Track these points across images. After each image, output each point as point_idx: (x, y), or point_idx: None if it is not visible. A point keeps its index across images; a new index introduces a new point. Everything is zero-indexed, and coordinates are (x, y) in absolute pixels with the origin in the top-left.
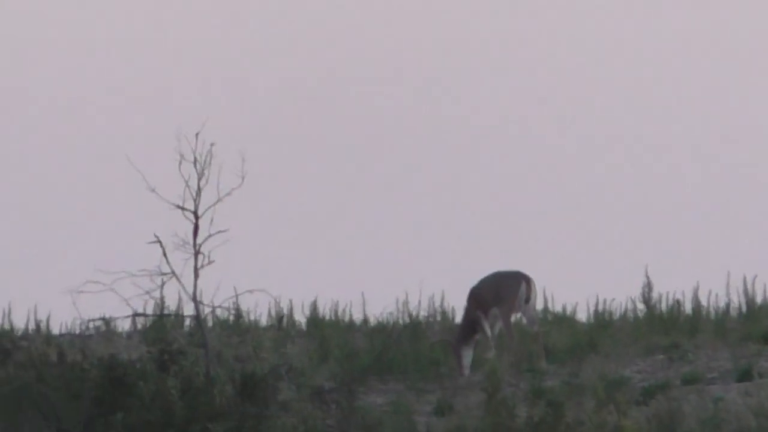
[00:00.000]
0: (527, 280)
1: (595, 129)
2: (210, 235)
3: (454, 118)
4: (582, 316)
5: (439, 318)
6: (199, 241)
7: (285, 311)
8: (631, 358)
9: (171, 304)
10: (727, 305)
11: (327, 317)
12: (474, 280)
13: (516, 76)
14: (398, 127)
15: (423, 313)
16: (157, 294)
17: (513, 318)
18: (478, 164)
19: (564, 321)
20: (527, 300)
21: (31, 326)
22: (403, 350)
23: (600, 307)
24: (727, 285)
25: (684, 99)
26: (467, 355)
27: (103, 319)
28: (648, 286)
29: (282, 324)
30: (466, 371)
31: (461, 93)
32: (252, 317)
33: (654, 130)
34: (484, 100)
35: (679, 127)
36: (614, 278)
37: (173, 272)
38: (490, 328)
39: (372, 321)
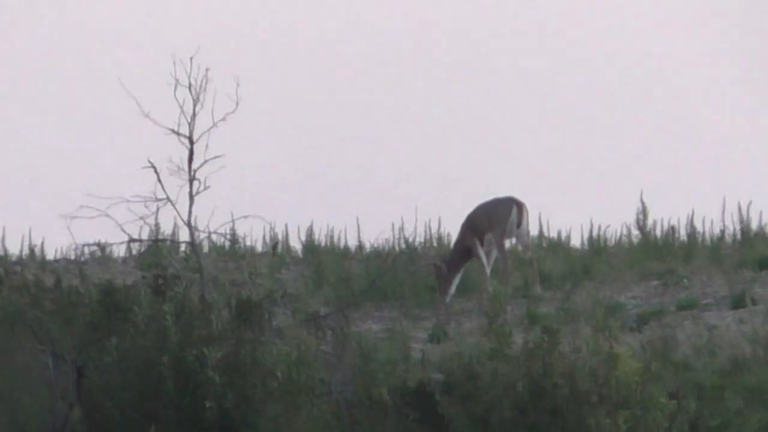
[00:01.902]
0: (519, 205)
1: (590, 53)
2: (205, 161)
3: (450, 42)
4: (576, 242)
5: (435, 244)
6: (194, 166)
7: (280, 237)
8: (626, 284)
9: (166, 230)
10: (722, 232)
11: (322, 243)
12: (469, 207)
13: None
14: (394, 50)
15: (419, 239)
16: (152, 220)
17: (507, 243)
18: (474, 91)
19: (559, 247)
20: (519, 224)
21: (26, 252)
22: (398, 276)
23: (595, 234)
24: (723, 211)
25: (680, 25)
26: (454, 281)
27: (98, 244)
28: (643, 213)
29: (277, 250)
30: (449, 297)
31: (458, 21)
32: (247, 243)
33: (650, 54)
34: (476, 27)
35: (676, 53)
36: (609, 204)
37: (168, 198)
38: (485, 255)
39: (367, 247)
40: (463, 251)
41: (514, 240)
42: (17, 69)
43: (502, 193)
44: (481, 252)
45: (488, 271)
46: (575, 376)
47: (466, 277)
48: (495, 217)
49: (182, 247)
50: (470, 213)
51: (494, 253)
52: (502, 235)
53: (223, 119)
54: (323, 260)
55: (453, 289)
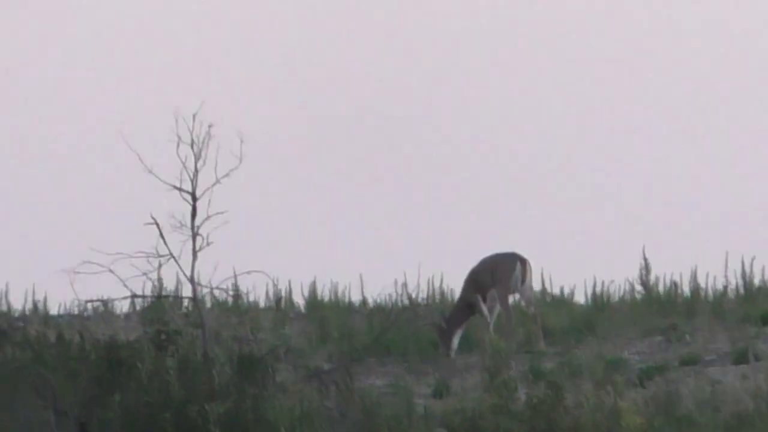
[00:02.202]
0: (522, 261)
1: (593, 111)
2: (208, 217)
3: (449, 99)
4: (580, 298)
5: (437, 300)
6: (197, 222)
7: (283, 293)
8: (629, 339)
9: (169, 286)
10: (725, 287)
11: (326, 299)
12: (472, 263)
13: (511, 55)
14: (397, 107)
15: (422, 295)
16: (154, 275)
17: (510, 299)
18: (477, 146)
19: (562, 303)
20: (523, 281)
21: (29, 307)
22: (401, 332)
23: (598, 289)
24: (725, 267)
25: (682, 80)
26: (456, 338)
27: (101, 300)
28: (646, 268)
29: (280, 305)
30: (453, 353)
31: (459, 75)
32: (250, 299)
33: (652, 111)
34: (480, 81)
35: (678, 108)
36: (612, 260)
37: (171, 254)
38: (488, 310)
39: (371, 302)
40: (465, 307)
41: (517, 296)
42: (19, 123)
43: (504, 249)
44: (484, 308)
45: (491, 326)
46: (579, 431)
47: (470, 332)
48: (499, 273)
49: (185, 303)
50: (473, 268)
51: (497, 309)
52: (507, 291)
53: (226, 175)
54: (326, 315)
55: (455, 344)
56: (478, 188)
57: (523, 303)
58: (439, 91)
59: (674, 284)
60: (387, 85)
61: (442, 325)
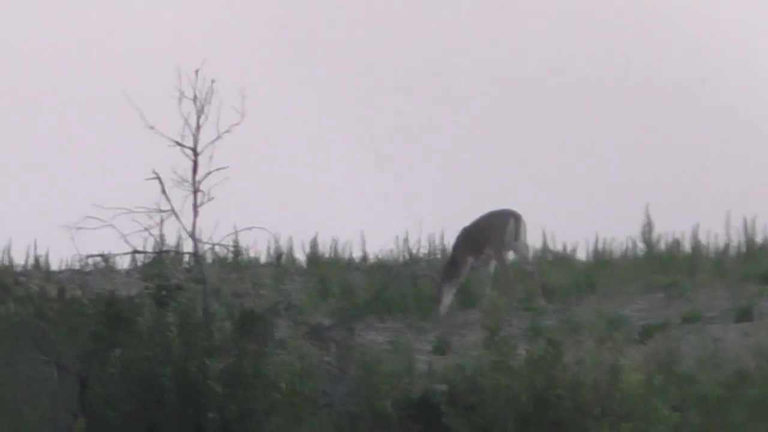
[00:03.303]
0: (516, 217)
1: (597, 64)
2: (209, 173)
3: (456, 50)
4: (581, 255)
5: (438, 256)
6: (198, 178)
7: (284, 249)
8: (630, 297)
9: (170, 241)
10: (727, 245)
11: (326, 255)
12: (470, 220)
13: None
14: (402, 58)
15: (422, 251)
16: (156, 231)
17: (506, 256)
18: (480, 101)
19: (563, 260)
20: (516, 237)
21: (30, 262)
22: (402, 288)
23: (599, 247)
24: (727, 225)
25: (689, 34)
26: (449, 294)
27: (101, 255)
28: (648, 226)
29: (281, 261)
30: (444, 309)
31: (463, 24)
32: (251, 254)
33: (655, 64)
34: (485, 32)
35: (680, 64)
36: (614, 218)
37: (172, 209)
38: (485, 268)
39: (371, 259)
40: (457, 265)
41: (512, 253)
42: (21, 79)
43: (503, 206)
44: (464, 271)
45: (488, 283)
46: (578, 389)
47: (470, 289)
48: (492, 230)
49: (186, 259)
50: (466, 227)
51: (493, 266)
52: (501, 247)
53: (228, 131)
54: (327, 272)
55: (448, 301)
56: (479, 144)
57: (518, 260)
58: (449, 38)
59: (676, 242)
60: (392, 34)
61: (436, 279)
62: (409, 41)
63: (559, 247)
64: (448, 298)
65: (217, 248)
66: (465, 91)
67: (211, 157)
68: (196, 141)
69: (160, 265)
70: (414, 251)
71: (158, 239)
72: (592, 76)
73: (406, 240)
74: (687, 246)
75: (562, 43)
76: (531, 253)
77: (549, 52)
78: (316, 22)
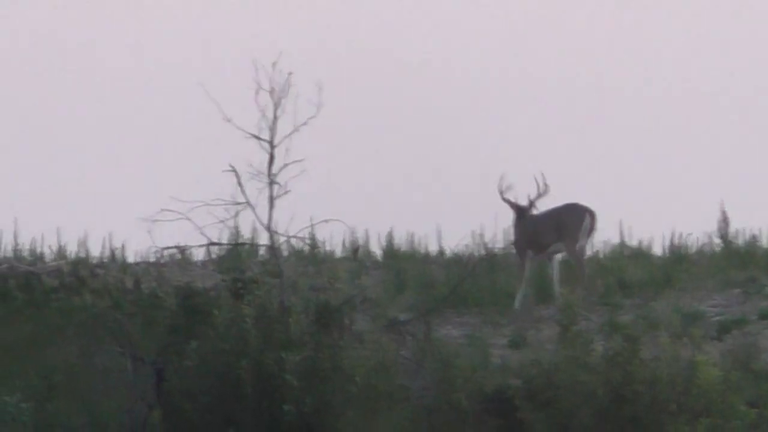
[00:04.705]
0: (591, 214)
1: (675, 56)
2: (285, 165)
3: (535, 41)
4: (658, 250)
5: (514, 250)
6: (274, 170)
7: (361, 242)
8: (707, 292)
9: (246, 234)
10: None
11: (403, 248)
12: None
13: None
14: (476, 50)
15: (498, 246)
16: (231, 223)
17: (579, 249)
18: (556, 95)
19: (640, 255)
20: (589, 233)
21: (107, 254)
22: (478, 283)
23: (676, 242)
24: None
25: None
26: (519, 289)
27: (178, 247)
28: (725, 221)
29: (357, 255)
30: (517, 304)
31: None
32: (327, 248)
33: (732, 59)
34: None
35: (758, 55)
36: (691, 213)
37: (248, 202)
38: (552, 264)
39: (448, 253)
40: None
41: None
42: (101, 71)
43: (580, 200)
44: (527, 267)
45: (556, 278)
46: (655, 384)
47: (545, 284)
48: (567, 225)
49: (262, 251)
50: (533, 220)
51: (557, 261)
52: (575, 243)
53: (305, 124)
54: (403, 266)
55: (520, 295)
56: (555, 138)
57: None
58: (522, 37)
59: (754, 237)
60: (464, 28)
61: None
62: (481, 36)
63: (635, 243)
64: (519, 293)
65: (293, 241)
66: (540, 82)
67: (287, 150)
68: (272, 134)
69: (235, 258)
70: (490, 246)
71: (234, 232)
72: (670, 66)
73: (481, 234)
74: (765, 241)
75: (643, 36)
76: (608, 248)
77: (629, 44)
78: (391, 12)
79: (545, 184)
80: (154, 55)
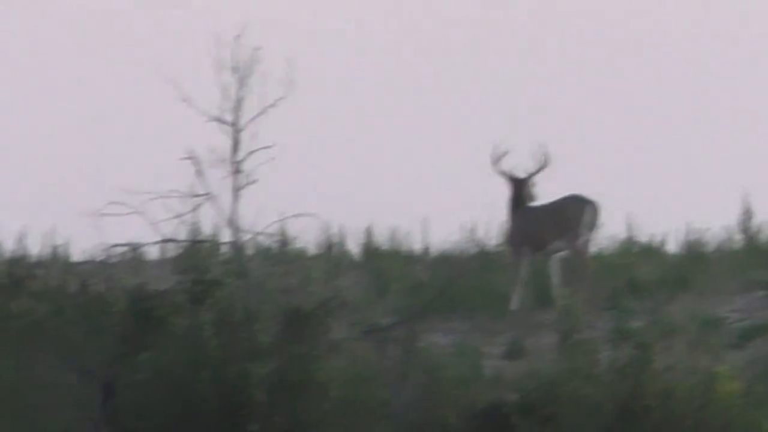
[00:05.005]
0: (594, 206)
1: (691, 44)
2: (251, 152)
3: (533, 28)
4: (672, 247)
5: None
6: (238, 158)
7: (336, 239)
8: (727, 295)
9: (206, 230)
10: None
11: (383, 246)
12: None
13: None
14: (466, 35)
15: (492, 243)
16: (190, 218)
17: (582, 246)
18: (561, 79)
19: (651, 253)
20: (591, 228)
21: (48, 252)
22: (469, 284)
23: (692, 238)
24: None
25: None
26: (516, 291)
27: (129, 245)
28: (747, 214)
29: (332, 253)
30: (514, 307)
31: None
32: (299, 245)
33: (749, 44)
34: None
35: None
36: (709, 205)
37: (209, 193)
38: (550, 263)
39: (434, 251)
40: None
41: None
42: (41, 45)
43: (582, 191)
44: (523, 266)
45: (556, 280)
46: (669, 398)
47: (545, 285)
48: (566, 220)
49: (224, 249)
50: (531, 214)
51: (557, 260)
52: (576, 239)
53: (273, 105)
54: (384, 265)
55: (517, 298)
56: (556, 124)
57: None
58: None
59: None
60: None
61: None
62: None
63: (645, 238)
64: (515, 295)
65: (260, 238)
66: (544, 65)
67: (253, 135)
68: (236, 116)
69: (194, 257)
70: (483, 242)
71: (193, 227)
72: (687, 51)
73: (473, 230)
74: None
75: (657, 18)
76: (616, 245)
77: (643, 27)
78: None
79: (546, 156)
80: (101, 28)
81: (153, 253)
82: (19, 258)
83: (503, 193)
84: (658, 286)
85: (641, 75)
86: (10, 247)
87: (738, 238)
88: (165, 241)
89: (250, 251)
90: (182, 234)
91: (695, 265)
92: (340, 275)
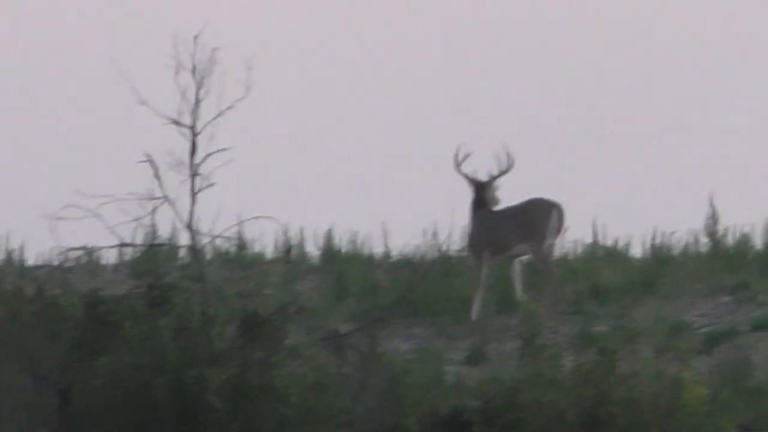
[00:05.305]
0: (559, 209)
1: (656, 44)
2: (209, 154)
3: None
4: (637, 251)
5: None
6: (196, 160)
7: (295, 242)
8: (693, 299)
9: (163, 233)
10: None
11: (343, 250)
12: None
13: None
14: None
15: (454, 247)
16: (147, 221)
17: (548, 251)
18: (520, 80)
19: (616, 257)
20: (557, 232)
21: (2, 257)
22: (431, 289)
23: (657, 242)
24: None
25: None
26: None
27: (85, 248)
28: (713, 218)
29: (291, 257)
30: (475, 315)
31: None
32: (257, 249)
33: (716, 46)
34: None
35: (741, 44)
36: (674, 208)
37: (166, 196)
38: (512, 267)
39: (395, 255)
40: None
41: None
42: None
43: (546, 194)
44: (485, 270)
45: (518, 285)
46: (634, 405)
47: (508, 289)
48: (532, 224)
49: (182, 253)
50: (491, 218)
51: (519, 265)
52: (542, 243)
53: (231, 107)
54: (344, 269)
55: (478, 304)
56: (520, 126)
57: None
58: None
59: (746, 236)
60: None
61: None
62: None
63: (610, 242)
64: (476, 301)
65: (218, 241)
66: (508, 73)
67: (211, 137)
68: (194, 118)
69: (152, 261)
70: (444, 246)
71: (150, 231)
72: (652, 54)
73: (435, 233)
74: (758, 241)
75: (621, 23)
76: (580, 249)
77: (604, 34)
78: None
79: (509, 157)
80: (55, 26)
81: (110, 257)
82: None
83: (465, 196)
84: (623, 291)
85: (606, 77)
86: None
87: (704, 242)
88: (122, 245)
89: (208, 255)
90: (139, 238)
91: (661, 269)
92: (300, 279)
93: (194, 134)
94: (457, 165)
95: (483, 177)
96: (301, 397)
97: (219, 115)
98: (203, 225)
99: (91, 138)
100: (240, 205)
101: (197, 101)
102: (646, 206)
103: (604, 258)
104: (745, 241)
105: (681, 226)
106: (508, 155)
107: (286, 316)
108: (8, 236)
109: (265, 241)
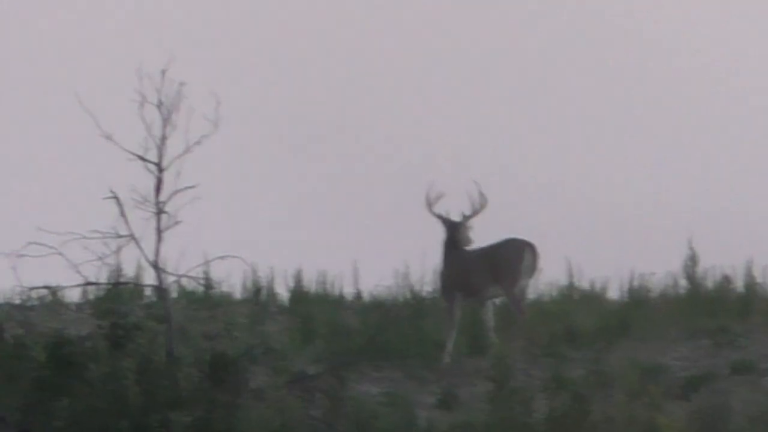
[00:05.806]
0: (532, 249)
1: (636, 80)
2: (176, 192)
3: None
4: (614, 293)
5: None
6: (162, 198)
7: (263, 283)
8: (671, 343)
9: (128, 272)
10: None
11: (312, 291)
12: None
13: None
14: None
15: (426, 288)
16: (112, 259)
17: (521, 292)
18: (492, 118)
19: (592, 299)
20: (531, 272)
21: None
22: (401, 331)
23: (635, 284)
24: None
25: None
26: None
27: (48, 287)
28: (692, 260)
29: (259, 297)
30: (447, 357)
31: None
32: (224, 289)
33: (699, 86)
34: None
35: (728, 85)
36: (652, 250)
37: (131, 234)
38: (484, 309)
39: (366, 296)
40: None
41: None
42: None
43: (519, 234)
44: (456, 312)
45: (491, 326)
46: None
47: (480, 331)
48: (504, 264)
49: (147, 292)
50: (464, 258)
51: (491, 307)
52: (514, 284)
53: (198, 143)
54: (313, 311)
55: (450, 346)
56: (493, 164)
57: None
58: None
59: (725, 279)
60: (377, 45)
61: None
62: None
63: (586, 285)
64: (448, 343)
65: (183, 281)
66: (474, 102)
67: (178, 174)
68: (160, 154)
69: (116, 300)
70: (416, 287)
71: (114, 269)
72: (629, 89)
73: (406, 274)
74: (738, 284)
75: (598, 61)
76: (555, 291)
77: (583, 71)
78: (301, 16)
79: (482, 196)
80: (17, 58)
81: (73, 295)
82: None
83: (438, 236)
84: (598, 334)
85: (581, 115)
86: None
87: (682, 284)
88: (86, 284)
89: (174, 294)
90: (104, 276)
91: (637, 311)
92: (267, 320)
93: (160, 171)
94: (429, 205)
95: (455, 217)
96: None
97: (186, 151)
98: (169, 264)
99: (54, 174)
100: (207, 243)
101: (163, 137)
102: (624, 247)
103: (579, 300)
104: (725, 283)
105: (659, 267)
106: (481, 194)
107: (253, 358)
108: None
109: (232, 281)
